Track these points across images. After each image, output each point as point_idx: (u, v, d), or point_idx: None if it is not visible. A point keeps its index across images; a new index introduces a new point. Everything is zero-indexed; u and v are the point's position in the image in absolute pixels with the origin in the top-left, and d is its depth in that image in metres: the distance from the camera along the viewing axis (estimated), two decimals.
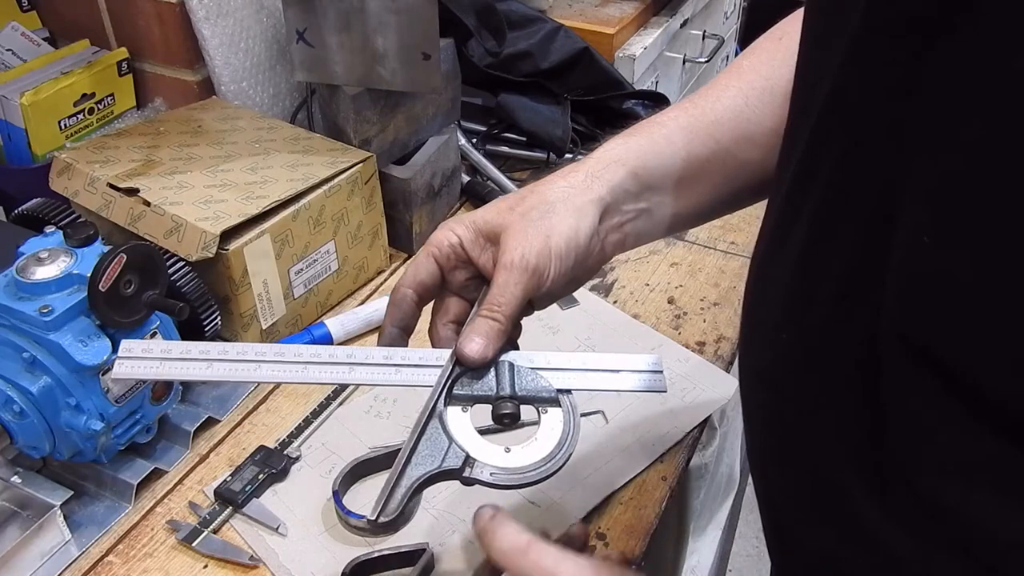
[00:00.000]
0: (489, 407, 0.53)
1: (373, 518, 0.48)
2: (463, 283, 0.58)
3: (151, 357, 0.53)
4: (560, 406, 0.53)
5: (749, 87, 0.61)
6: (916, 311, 0.38)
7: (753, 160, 0.61)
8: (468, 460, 0.50)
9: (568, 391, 0.54)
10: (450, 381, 0.53)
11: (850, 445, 0.44)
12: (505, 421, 0.52)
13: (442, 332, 0.58)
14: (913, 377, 0.38)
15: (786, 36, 0.63)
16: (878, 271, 0.40)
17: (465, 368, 0.53)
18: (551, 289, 0.56)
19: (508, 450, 0.51)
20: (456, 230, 0.57)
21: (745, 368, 0.56)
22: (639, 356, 0.56)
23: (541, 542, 0.47)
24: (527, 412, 0.53)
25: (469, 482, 0.50)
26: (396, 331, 0.57)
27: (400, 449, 0.50)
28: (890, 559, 0.42)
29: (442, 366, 0.53)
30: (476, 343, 0.53)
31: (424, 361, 0.54)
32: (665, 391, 0.56)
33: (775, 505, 0.55)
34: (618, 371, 0.56)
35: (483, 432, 0.52)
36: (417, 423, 0.51)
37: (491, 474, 0.50)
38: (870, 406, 0.42)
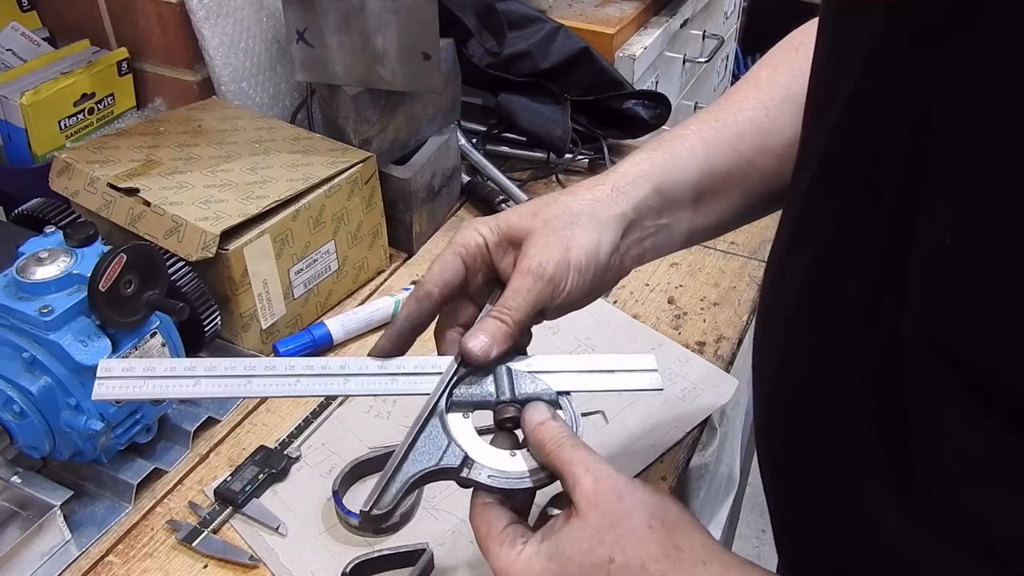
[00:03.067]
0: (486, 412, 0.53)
1: (366, 509, 0.48)
2: (479, 287, 0.57)
3: (133, 376, 0.51)
4: (561, 408, 0.53)
5: (768, 98, 0.61)
6: (941, 313, 0.38)
7: (772, 171, 0.61)
8: (467, 460, 0.50)
9: (567, 393, 0.54)
10: (454, 380, 0.52)
11: (867, 448, 0.44)
12: (507, 425, 0.52)
13: (450, 336, 0.57)
14: (937, 379, 0.38)
15: (803, 46, 0.63)
16: (899, 274, 0.40)
17: (469, 369, 0.53)
18: (566, 300, 0.55)
19: (514, 454, 0.50)
20: (481, 231, 0.57)
21: (759, 371, 0.56)
22: (634, 356, 0.57)
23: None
24: None
25: (466, 483, 0.50)
26: (408, 327, 0.55)
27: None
28: (910, 563, 0.42)
29: (439, 373, 0.53)
30: (481, 340, 0.52)
31: (420, 369, 0.53)
32: (661, 389, 0.56)
33: (786, 506, 0.55)
34: (613, 371, 0.56)
35: (482, 432, 0.52)
36: (417, 420, 0.50)
37: (489, 476, 0.49)
38: (888, 409, 0.42)
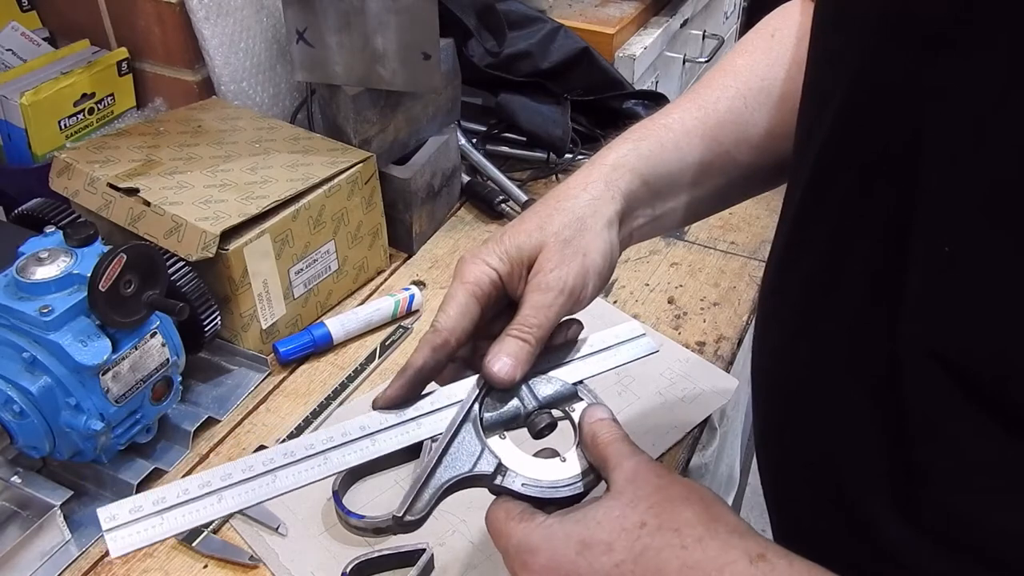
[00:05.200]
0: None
1: (400, 515, 0.47)
2: (488, 323, 0.54)
3: (146, 515, 0.45)
4: (583, 399, 0.53)
5: (747, 88, 0.61)
6: (940, 321, 0.38)
7: (748, 162, 0.61)
8: (500, 468, 0.49)
9: (580, 382, 0.53)
10: (485, 388, 0.51)
11: (868, 455, 0.44)
12: (545, 433, 0.51)
13: (448, 368, 0.54)
14: (939, 387, 0.38)
15: (778, 33, 0.63)
16: (897, 283, 0.40)
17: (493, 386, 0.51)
18: (584, 306, 0.54)
19: (564, 459, 0.50)
20: (491, 263, 0.53)
21: (758, 376, 0.56)
22: (620, 327, 0.57)
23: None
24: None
25: (499, 491, 0.49)
26: (420, 378, 0.51)
27: (409, 447, 0.49)
28: (910, 570, 0.41)
29: (457, 403, 0.51)
30: (504, 362, 0.50)
31: (438, 404, 0.51)
32: (657, 351, 0.56)
33: (785, 509, 0.55)
34: (611, 347, 0.56)
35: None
36: (450, 426, 0.49)
37: (523, 484, 0.48)
38: (890, 416, 0.41)
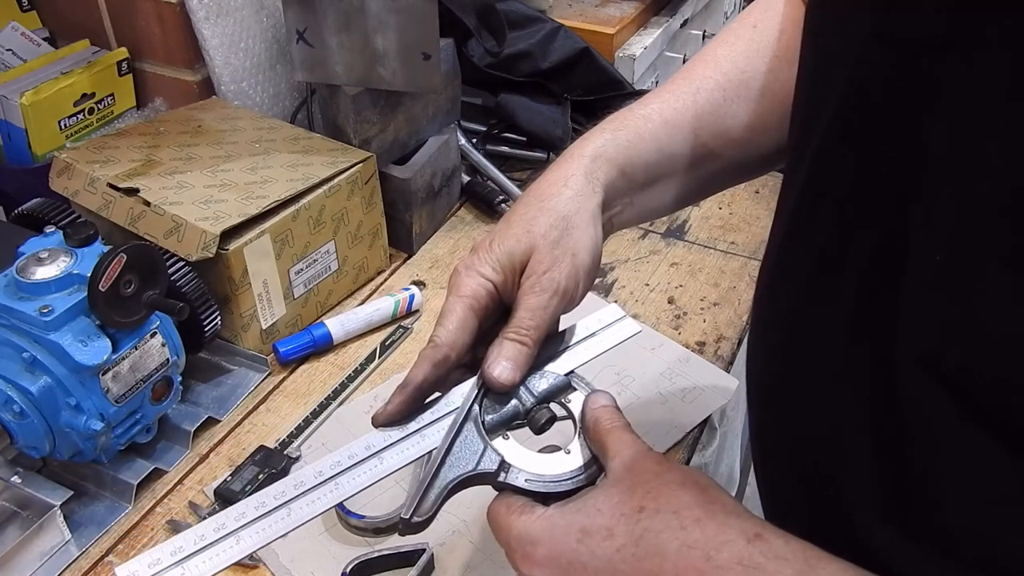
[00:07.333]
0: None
1: (407, 516, 0.47)
2: (485, 331, 0.54)
3: (165, 568, 0.44)
4: (577, 388, 0.53)
5: (727, 80, 0.61)
6: (934, 332, 0.37)
7: (728, 155, 0.61)
8: (503, 465, 0.49)
9: (571, 372, 0.54)
10: (484, 388, 0.52)
11: (861, 468, 0.44)
12: (546, 428, 0.52)
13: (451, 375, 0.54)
14: (933, 399, 0.38)
15: (760, 24, 0.63)
16: (891, 292, 0.39)
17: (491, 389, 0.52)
18: (576, 305, 0.54)
19: (569, 452, 0.50)
20: (486, 274, 0.53)
21: (753, 387, 0.56)
22: (602, 312, 0.57)
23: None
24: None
25: (502, 487, 0.49)
26: (421, 395, 0.51)
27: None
28: None
29: (455, 409, 0.52)
30: (504, 367, 0.50)
31: (439, 413, 0.52)
32: (640, 331, 0.57)
33: (782, 521, 0.55)
34: (595, 333, 0.56)
35: (512, 428, 0.52)
36: (452, 426, 0.50)
37: (526, 480, 0.49)
38: (883, 427, 0.41)
